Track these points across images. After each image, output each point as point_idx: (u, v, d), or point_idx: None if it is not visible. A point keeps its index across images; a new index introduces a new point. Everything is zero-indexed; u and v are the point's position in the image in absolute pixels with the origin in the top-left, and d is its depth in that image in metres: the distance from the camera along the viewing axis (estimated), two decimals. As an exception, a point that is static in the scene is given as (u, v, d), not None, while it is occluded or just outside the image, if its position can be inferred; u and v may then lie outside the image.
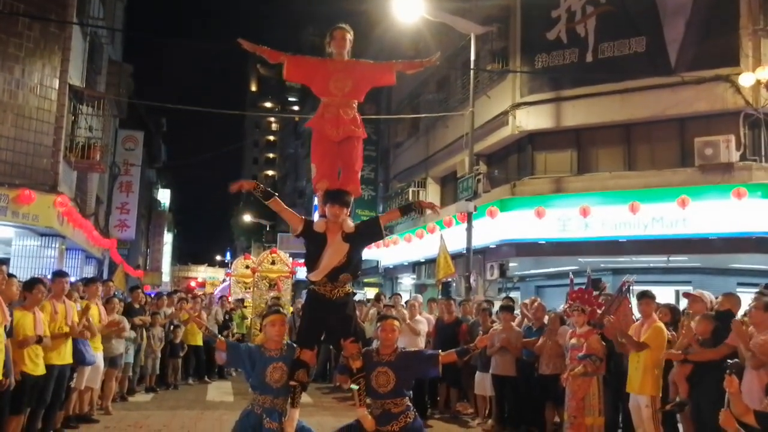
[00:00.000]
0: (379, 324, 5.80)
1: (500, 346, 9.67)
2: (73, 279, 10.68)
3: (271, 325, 5.62)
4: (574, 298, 8.35)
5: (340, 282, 5.48)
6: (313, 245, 5.55)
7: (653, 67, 15.54)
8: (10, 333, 6.70)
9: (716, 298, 7.86)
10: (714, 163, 14.56)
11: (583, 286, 8.83)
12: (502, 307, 10.40)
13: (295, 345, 5.66)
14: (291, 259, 20.70)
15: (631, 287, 8.36)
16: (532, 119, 17.60)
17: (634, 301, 8.30)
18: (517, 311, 10.87)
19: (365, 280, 30.69)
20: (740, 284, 13.87)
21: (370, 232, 5.74)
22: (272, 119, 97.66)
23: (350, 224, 5.54)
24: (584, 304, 8.15)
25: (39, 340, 7.12)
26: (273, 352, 5.55)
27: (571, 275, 10.20)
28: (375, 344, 6.39)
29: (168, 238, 54.76)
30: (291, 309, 17.29)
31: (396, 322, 5.80)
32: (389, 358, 5.60)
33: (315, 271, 5.48)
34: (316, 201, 34.01)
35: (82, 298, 9.46)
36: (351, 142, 5.72)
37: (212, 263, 77.73)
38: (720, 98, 14.88)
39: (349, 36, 5.79)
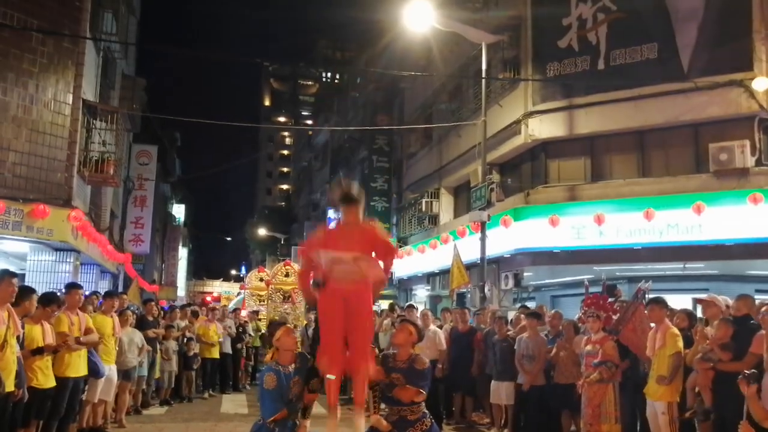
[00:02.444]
0: (395, 327, 5.78)
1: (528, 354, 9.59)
2: (87, 293, 10.69)
3: (286, 335, 5.58)
4: (589, 304, 8.30)
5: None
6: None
7: (666, 73, 15.43)
8: (22, 345, 6.71)
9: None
10: (729, 169, 14.41)
11: (599, 293, 8.77)
12: (529, 314, 10.30)
13: (308, 355, 5.63)
14: (305, 271, 20.68)
15: (646, 293, 8.27)
16: (544, 127, 17.52)
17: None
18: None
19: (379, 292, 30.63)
20: (758, 291, 13.62)
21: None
22: (286, 133, 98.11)
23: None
24: (599, 310, 8.10)
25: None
26: (289, 368, 5.51)
27: (586, 281, 10.14)
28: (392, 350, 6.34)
29: (183, 252, 54.94)
30: (304, 321, 17.28)
31: (412, 327, 5.75)
32: (403, 365, 5.57)
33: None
34: (330, 213, 34.15)
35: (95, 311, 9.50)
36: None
37: (227, 278, 77.88)
38: (734, 103, 14.74)
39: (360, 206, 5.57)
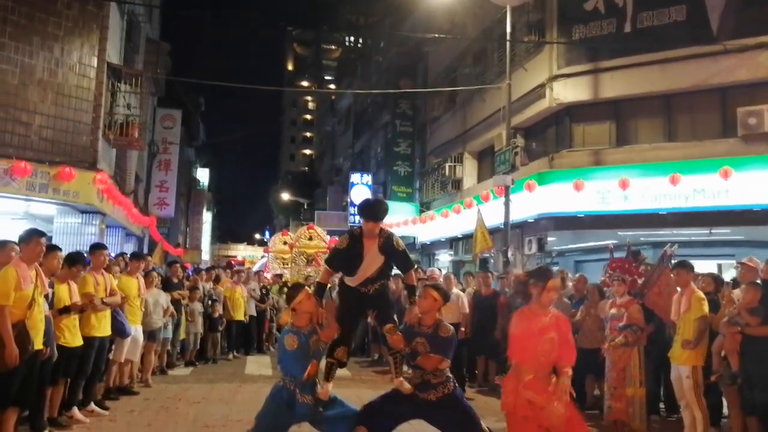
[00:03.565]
0: (419, 292, 5.80)
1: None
2: (112, 254, 10.82)
3: (307, 298, 5.61)
4: (614, 267, 8.24)
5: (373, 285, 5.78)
6: (351, 253, 5.75)
7: (694, 35, 15.11)
8: (51, 304, 6.81)
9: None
10: (757, 133, 14.17)
11: (623, 258, 8.70)
12: None
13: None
14: (328, 236, 20.77)
15: (672, 257, 8.19)
16: (569, 91, 17.30)
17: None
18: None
19: (402, 257, 30.67)
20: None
21: (397, 261, 5.92)
22: (309, 98, 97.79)
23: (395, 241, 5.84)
24: (624, 273, 8.05)
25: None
26: (305, 328, 5.55)
27: (611, 245, 10.07)
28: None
29: (207, 216, 55.38)
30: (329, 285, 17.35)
31: (435, 293, 5.69)
32: (428, 330, 5.59)
33: (352, 278, 5.80)
34: (352, 178, 34.15)
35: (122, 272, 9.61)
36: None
37: (251, 242, 78.52)
38: (763, 66, 14.43)
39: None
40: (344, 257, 5.79)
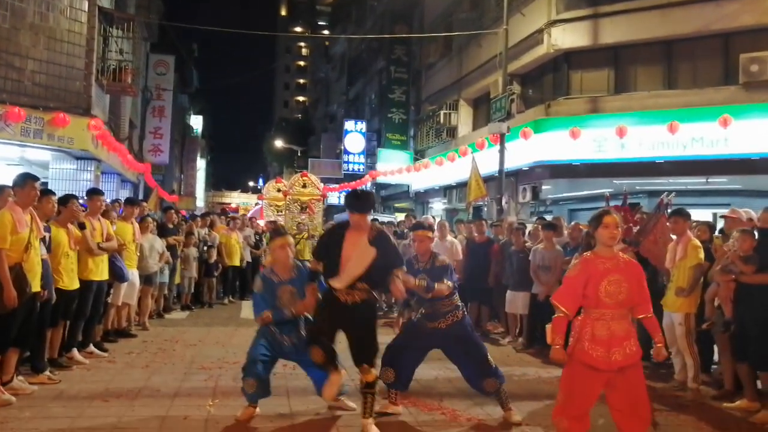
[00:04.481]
0: (411, 235, 5.99)
1: (544, 264, 9.60)
2: (108, 200, 10.78)
3: (280, 248, 5.79)
4: None
5: (358, 288, 5.34)
6: (332, 241, 5.44)
7: (697, -22, 14.90)
8: (49, 248, 6.80)
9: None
10: (760, 80, 14.05)
11: (619, 205, 8.65)
12: (545, 225, 10.22)
13: (304, 267, 5.88)
14: (322, 183, 20.73)
15: (669, 205, 8.16)
16: (568, 37, 17.09)
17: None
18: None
19: (396, 205, 30.72)
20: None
21: (389, 255, 5.44)
22: (302, 44, 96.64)
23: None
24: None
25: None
26: (283, 276, 5.76)
27: (607, 193, 10.03)
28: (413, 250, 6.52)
29: (201, 163, 55.15)
30: (322, 231, 17.40)
31: (428, 233, 6.09)
32: (426, 265, 5.94)
33: (336, 278, 5.32)
34: (346, 126, 33.93)
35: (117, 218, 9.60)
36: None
37: (245, 189, 78.41)
38: (767, 11, 14.24)
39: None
40: (325, 248, 5.52)
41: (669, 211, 7.98)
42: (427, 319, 5.88)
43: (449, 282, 5.82)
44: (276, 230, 6.58)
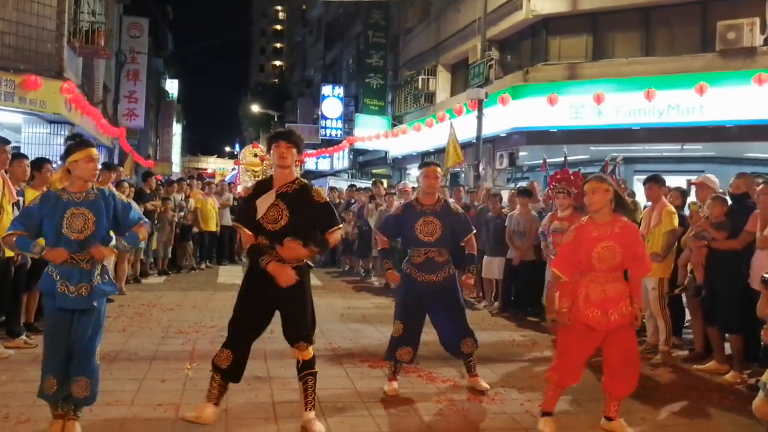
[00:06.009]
0: (420, 171, 5.73)
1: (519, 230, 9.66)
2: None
3: (85, 161, 4.33)
4: (558, 179, 7.88)
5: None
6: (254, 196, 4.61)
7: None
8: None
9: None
10: (736, 48, 14.11)
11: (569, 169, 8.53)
12: (520, 191, 10.22)
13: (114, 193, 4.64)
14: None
15: (617, 168, 8.11)
16: (546, 3, 17.03)
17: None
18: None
19: (374, 171, 30.65)
20: (754, 174, 13.67)
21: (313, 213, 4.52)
22: (279, 7, 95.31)
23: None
24: (570, 186, 7.66)
25: None
26: (76, 195, 4.33)
27: (544, 157, 9.91)
28: (414, 193, 6.29)
29: (177, 128, 54.59)
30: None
31: (439, 169, 5.73)
32: (435, 207, 5.61)
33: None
34: (323, 91, 33.66)
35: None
36: None
37: (221, 154, 77.86)
38: (744, -21, 14.29)
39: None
40: (245, 204, 4.73)
41: (619, 176, 7.92)
42: (423, 270, 5.53)
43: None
44: (78, 142, 4.66)
